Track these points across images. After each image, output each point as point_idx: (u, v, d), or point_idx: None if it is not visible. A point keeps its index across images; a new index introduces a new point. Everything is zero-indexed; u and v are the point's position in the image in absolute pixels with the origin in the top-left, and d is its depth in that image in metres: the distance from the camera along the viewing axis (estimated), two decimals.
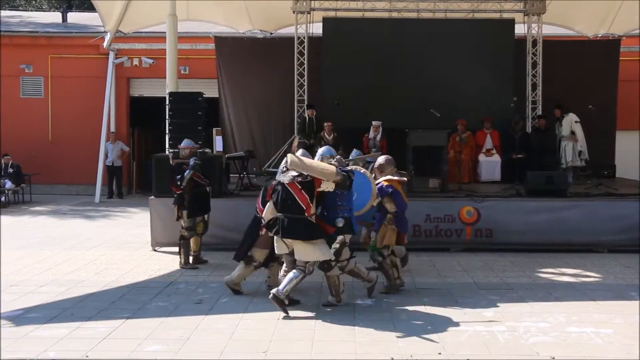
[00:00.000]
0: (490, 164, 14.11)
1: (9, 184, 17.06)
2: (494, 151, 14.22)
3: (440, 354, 5.90)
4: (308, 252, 7.15)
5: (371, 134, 13.81)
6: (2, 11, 26.20)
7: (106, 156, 18.19)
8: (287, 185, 7.16)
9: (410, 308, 7.43)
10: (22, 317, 6.99)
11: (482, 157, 14.20)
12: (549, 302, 7.74)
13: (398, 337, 6.40)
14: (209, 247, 10.26)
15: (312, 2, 15.41)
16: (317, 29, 15.75)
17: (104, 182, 18.03)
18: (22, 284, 8.49)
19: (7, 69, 19.51)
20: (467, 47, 15.21)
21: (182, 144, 9.94)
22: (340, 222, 7.27)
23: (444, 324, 6.84)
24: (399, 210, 8.14)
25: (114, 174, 18.55)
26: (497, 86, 15.08)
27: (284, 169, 7.40)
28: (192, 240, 9.56)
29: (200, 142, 10.70)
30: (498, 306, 7.52)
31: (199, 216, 9.60)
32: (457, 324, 6.83)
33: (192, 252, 9.60)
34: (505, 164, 14.07)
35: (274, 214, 7.32)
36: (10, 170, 17.33)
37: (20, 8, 33.81)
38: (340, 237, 7.37)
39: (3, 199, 16.88)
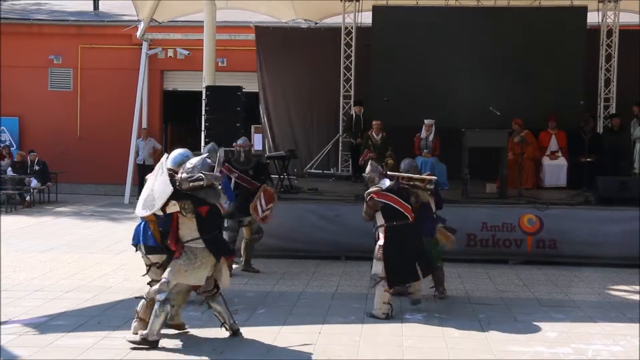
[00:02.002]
0: (555, 168, 13.85)
1: (34, 183, 17.45)
2: (560, 154, 13.94)
3: None
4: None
5: (423, 134, 13.71)
6: None
7: (137, 154, 18.43)
8: None
9: (464, 325, 7.33)
10: (46, 325, 7.15)
11: (546, 161, 13.95)
12: (621, 322, 7.56)
13: (451, 355, 6.34)
14: None
15: None
16: (366, 18, 15.72)
17: (134, 182, 18.26)
18: (47, 289, 8.68)
19: (35, 59, 20.03)
20: (532, 38, 14.94)
21: (239, 142, 9.99)
22: None
23: (502, 343, 6.75)
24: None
25: (145, 173, 18.76)
26: (566, 82, 14.77)
27: None
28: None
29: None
30: (563, 326, 7.37)
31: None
32: (515, 344, 6.73)
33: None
34: (573, 168, 13.79)
35: None
36: (36, 167, 17.71)
37: None
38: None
39: (28, 198, 17.30)
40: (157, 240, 6.69)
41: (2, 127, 20.20)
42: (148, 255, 6.86)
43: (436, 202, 8.32)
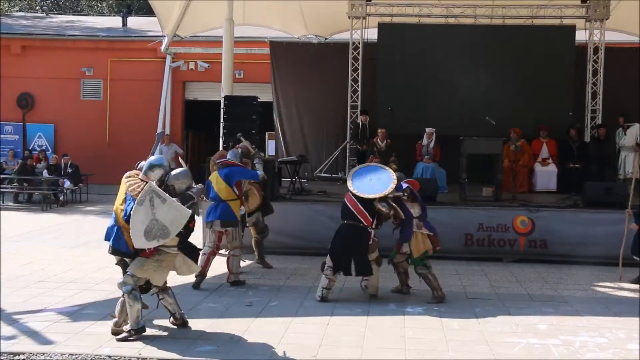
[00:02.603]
0: (546, 174, 13.83)
1: (67, 184, 17.57)
2: (550, 160, 13.92)
3: None
4: None
5: (425, 141, 13.71)
6: (66, 16, 27.02)
7: None
8: None
9: (461, 317, 7.33)
10: (78, 313, 7.20)
11: (537, 167, 13.92)
12: (607, 317, 7.53)
13: (448, 346, 6.34)
14: None
15: (368, 7, 15.38)
16: (372, 34, 15.71)
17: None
18: (78, 281, 8.73)
19: (69, 71, 20.18)
20: (525, 54, 14.92)
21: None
22: None
23: (496, 335, 6.74)
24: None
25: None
26: (556, 94, 14.76)
27: None
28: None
29: (254, 146, 10.77)
30: (552, 319, 7.35)
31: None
32: (509, 336, 6.72)
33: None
34: (562, 174, 13.76)
35: None
36: (69, 170, 17.85)
37: (83, 13, 34.87)
38: None
39: (62, 197, 17.42)
40: (130, 247, 6.42)
41: (39, 133, 20.33)
42: (112, 254, 6.75)
43: (421, 208, 8.14)
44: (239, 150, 9.46)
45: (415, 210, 8.05)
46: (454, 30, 15.37)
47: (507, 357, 6.06)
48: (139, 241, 6.26)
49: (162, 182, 6.54)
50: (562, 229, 10.65)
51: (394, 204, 7.87)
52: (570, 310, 7.79)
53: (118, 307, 6.46)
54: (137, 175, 6.61)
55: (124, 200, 6.49)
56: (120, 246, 6.49)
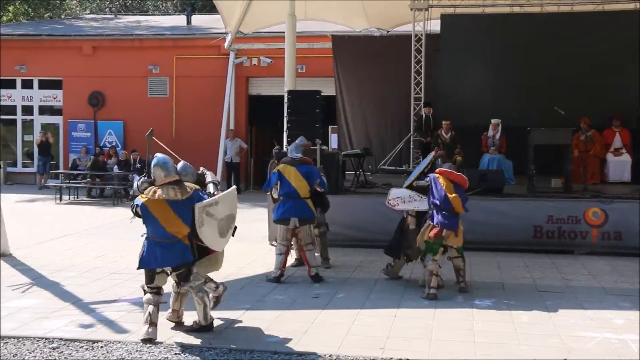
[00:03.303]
0: (619, 164, 13.38)
1: (137, 179, 17.95)
2: (624, 150, 13.46)
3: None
4: None
5: (490, 132, 13.44)
6: (133, 16, 27.67)
7: (225, 153, 18.73)
8: None
9: (531, 310, 7.15)
10: None
11: (610, 157, 13.49)
12: None
13: (519, 340, 6.19)
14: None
15: None
16: (434, 25, 15.50)
17: (222, 178, 18.52)
18: None
19: (136, 70, 20.62)
20: (595, 41, 14.41)
21: (297, 141, 9.93)
22: None
23: (569, 328, 6.54)
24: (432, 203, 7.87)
25: (232, 170, 19.09)
26: (628, 82, 14.19)
27: None
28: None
29: (319, 140, 10.77)
30: (630, 314, 7.07)
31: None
32: (583, 330, 6.51)
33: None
34: (637, 164, 13.28)
35: None
36: (138, 165, 18.24)
37: (148, 13, 35.69)
38: None
39: (131, 192, 17.83)
40: (195, 255, 6.44)
41: (109, 130, 20.89)
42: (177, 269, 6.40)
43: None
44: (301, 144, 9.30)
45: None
46: (520, 19, 15.00)
47: (581, 351, 5.87)
48: (219, 245, 6.54)
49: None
50: (638, 220, 10.24)
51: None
52: None
53: (173, 297, 6.54)
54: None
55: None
56: (188, 258, 6.32)
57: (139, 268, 6.29)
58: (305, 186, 8.49)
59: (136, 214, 6.30)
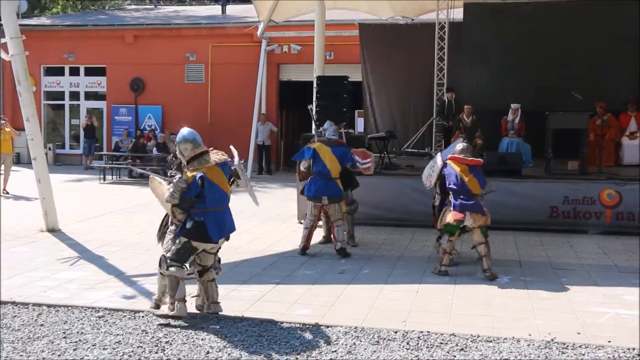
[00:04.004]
0: (634, 148, 13.11)
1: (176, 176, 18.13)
2: (639, 134, 13.21)
3: (579, 333, 5.62)
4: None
5: (510, 117, 13.27)
6: (172, 6, 27.74)
7: (257, 136, 18.80)
8: None
9: (547, 287, 7.10)
10: None
11: (625, 140, 13.24)
12: None
13: (535, 314, 6.17)
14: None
15: None
16: (457, 14, 15.33)
17: (254, 159, 18.66)
18: None
19: (174, 57, 20.76)
20: (613, 28, 14.10)
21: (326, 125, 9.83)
22: (188, 224, 5.88)
23: (583, 305, 6.50)
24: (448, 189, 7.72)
25: (263, 152, 19.17)
26: None
27: None
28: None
29: (345, 123, 10.75)
30: None
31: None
32: (596, 306, 6.47)
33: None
34: None
35: None
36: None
37: (186, 3, 35.76)
38: (182, 239, 5.87)
39: (169, 172, 17.97)
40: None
41: (149, 114, 21.10)
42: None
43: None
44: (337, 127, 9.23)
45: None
46: (540, 7, 14.72)
47: (595, 326, 5.83)
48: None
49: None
50: None
51: None
52: None
53: (199, 287, 6.13)
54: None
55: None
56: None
57: (219, 239, 5.86)
58: (337, 167, 8.54)
59: (197, 187, 5.73)
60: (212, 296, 6.08)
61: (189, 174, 5.82)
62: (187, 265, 5.97)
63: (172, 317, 5.81)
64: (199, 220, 5.80)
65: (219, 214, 5.91)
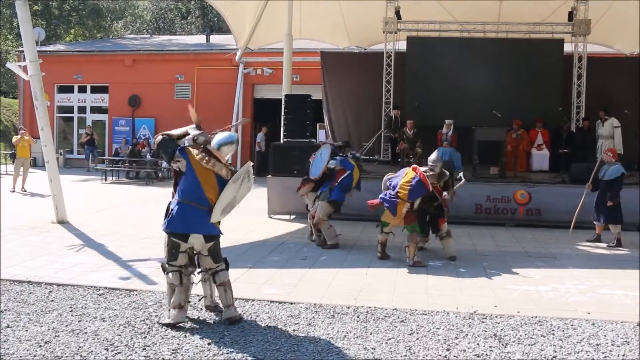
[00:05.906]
0: (540, 157, 13.50)
1: (164, 164, 17.91)
2: (544, 146, 13.57)
3: (496, 306, 5.76)
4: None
5: (444, 130, 13.41)
6: (164, 36, 27.32)
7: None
8: None
9: (472, 270, 7.26)
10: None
11: (534, 151, 13.59)
12: (586, 269, 7.39)
13: (462, 292, 6.30)
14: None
15: (399, 24, 15.14)
16: (402, 45, 15.45)
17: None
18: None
19: (166, 77, 20.57)
20: (524, 61, 14.49)
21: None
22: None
23: (500, 283, 6.67)
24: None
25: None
26: (548, 93, 14.31)
27: None
28: None
29: (308, 134, 10.76)
30: (544, 271, 7.23)
31: None
32: (510, 284, 6.63)
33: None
34: (553, 157, 13.42)
35: None
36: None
37: (177, 33, 35.35)
38: (165, 233, 5.08)
39: (160, 174, 17.84)
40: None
41: (143, 125, 20.87)
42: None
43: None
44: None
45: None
46: (467, 42, 15.01)
47: (508, 300, 5.99)
48: (216, 216, 5.02)
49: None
50: (553, 200, 10.43)
51: None
52: (558, 263, 7.67)
53: (206, 286, 5.45)
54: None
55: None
56: (217, 231, 5.16)
57: (167, 229, 4.96)
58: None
59: (172, 159, 4.99)
60: (223, 300, 5.16)
61: (193, 150, 5.11)
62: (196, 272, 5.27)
63: (168, 325, 4.96)
64: (171, 207, 5.01)
65: (188, 208, 4.91)
